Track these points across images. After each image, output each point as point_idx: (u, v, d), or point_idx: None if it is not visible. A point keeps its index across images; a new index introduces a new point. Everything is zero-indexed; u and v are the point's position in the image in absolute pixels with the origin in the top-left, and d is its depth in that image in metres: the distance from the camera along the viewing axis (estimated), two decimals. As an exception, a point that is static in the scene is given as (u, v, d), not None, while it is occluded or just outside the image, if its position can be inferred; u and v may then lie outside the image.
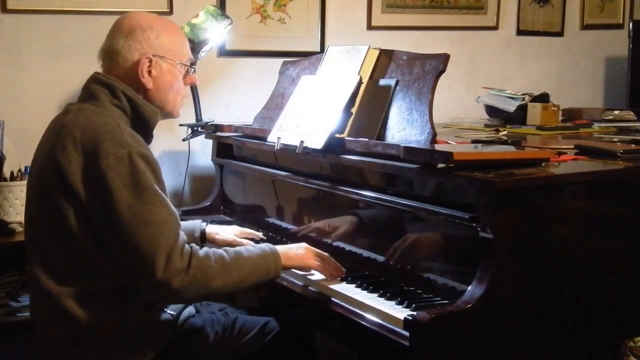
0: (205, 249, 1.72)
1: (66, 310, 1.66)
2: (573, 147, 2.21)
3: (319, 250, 1.93)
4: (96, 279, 1.68)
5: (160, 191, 1.66)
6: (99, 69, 1.85)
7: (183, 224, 2.06)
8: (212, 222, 2.57)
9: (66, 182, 1.63)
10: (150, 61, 1.79)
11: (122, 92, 1.76)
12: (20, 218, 2.59)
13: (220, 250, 1.74)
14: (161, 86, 1.82)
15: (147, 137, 1.82)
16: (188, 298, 1.73)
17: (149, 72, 1.79)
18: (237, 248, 1.79)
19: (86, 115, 1.70)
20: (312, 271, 1.94)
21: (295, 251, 1.89)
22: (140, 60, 1.78)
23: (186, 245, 1.66)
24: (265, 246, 1.83)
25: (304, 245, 1.93)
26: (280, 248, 1.86)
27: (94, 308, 1.68)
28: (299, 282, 1.94)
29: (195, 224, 2.19)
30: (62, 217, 1.65)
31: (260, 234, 2.27)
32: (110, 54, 1.80)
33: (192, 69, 1.89)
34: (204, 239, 2.19)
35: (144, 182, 1.62)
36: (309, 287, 1.90)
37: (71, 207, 1.64)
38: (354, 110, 2.10)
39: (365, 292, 1.80)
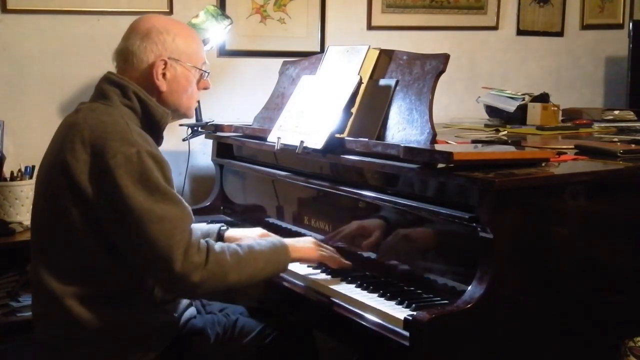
0: (219, 243, 1.73)
1: (68, 311, 1.66)
2: (573, 147, 2.21)
3: (325, 245, 1.97)
4: (99, 279, 1.68)
5: (170, 188, 1.66)
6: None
7: (200, 227, 2.07)
8: (213, 221, 2.58)
9: (73, 181, 1.63)
10: (165, 64, 1.78)
11: (133, 92, 1.75)
12: (20, 218, 2.59)
13: (234, 245, 1.75)
14: (175, 89, 1.81)
15: (157, 137, 1.81)
16: (205, 292, 1.74)
17: (164, 75, 1.78)
18: (249, 242, 1.80)
19: (96, 115, 1.69)
20: (314, 270, 1.96)
21: (303, 244, 1.93)
22: (155, 62, 1.77)
23: (201, 240, 1.67)
24: (275, 240, 1.86)
25: (310, 239, 1.97)
26: (288, 241, 1.89)
27: (96, 309, 1.68)
28: (299, 282, 1.94)
29: (212, 228, 2.14)
30: (67, 216, 1.64)
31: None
32: (126, 55, 1.79)
33: (206, 74, 1.88)
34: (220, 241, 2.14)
35: (154, 180, 1.62)
36: (309, 287, 1.91)
37: (77, 207, 1.63)
38: (354, 110, 2.10)
39: (365, 292, 1.79)
